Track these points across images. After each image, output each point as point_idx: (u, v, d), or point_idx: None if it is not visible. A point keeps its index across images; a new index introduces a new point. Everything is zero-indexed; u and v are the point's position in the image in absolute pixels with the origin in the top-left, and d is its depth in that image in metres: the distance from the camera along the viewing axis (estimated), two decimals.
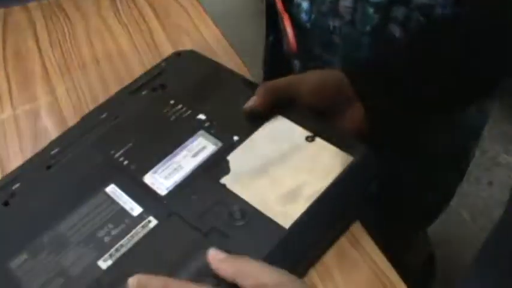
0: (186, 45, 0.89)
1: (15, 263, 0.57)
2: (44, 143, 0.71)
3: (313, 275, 0.59)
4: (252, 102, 0.67)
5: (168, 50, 0.88)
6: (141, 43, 0.90)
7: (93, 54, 0.90)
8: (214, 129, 0.67)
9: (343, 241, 0.61)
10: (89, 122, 0.72)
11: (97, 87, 0.84)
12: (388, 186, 0.68)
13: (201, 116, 0.69)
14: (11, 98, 0.84)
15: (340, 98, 0.66)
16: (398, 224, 1.15)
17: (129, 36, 0.92)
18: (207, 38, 0.90)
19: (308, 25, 0.96)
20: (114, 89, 0.80)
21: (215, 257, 0.53)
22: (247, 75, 0.81)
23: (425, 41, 0.68)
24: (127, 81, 0.78)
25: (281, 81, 0.68)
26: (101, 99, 0.78)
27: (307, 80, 0.67)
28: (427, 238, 1.46)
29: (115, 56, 0.89)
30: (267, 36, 1.17)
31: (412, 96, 0.66)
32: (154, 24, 0.94)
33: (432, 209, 1.18)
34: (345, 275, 0.59)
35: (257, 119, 0.67)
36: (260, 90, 0.67)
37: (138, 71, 0.83)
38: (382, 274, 0.59)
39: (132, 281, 0.52)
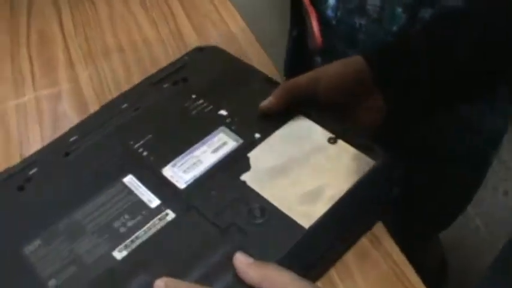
0: (212, 36, 0.88)
1: (29, 249, 0.57)
2: (64, 127, 0.71)
3: (333, 273, 0.58)
4: (267, 102, 0.67)
5: (193, 41, 0.87)
6: (166, 33, 0.90)
7: (117, 42, 0.89)
8: (235, 126, 0.67)
9: (364, 241, 0.61)
10: (109, 111, 0.72)
11: (120, 75, 0.83)
12: (404, 187, 0.67)
13: (223, 112, 0.69)
14: (33, 82, 0.84)
15: (360, 88, 0.65)
16: (415, 226, 1.14)
17: (154, 25, 0.92)
18: (233, 29, 0.89)
19: (334, 22, 0.96)
20: (137, 77, 0.80)
21: (242, 261, 0.52)
22: (272, 69, 0.80)
23: (442, 31, 0.66)
24: (151, 70, 0.78)
25: (300, 80, 0.67)
26: (124, 87, 0.78)
27: (325, 75, 0.66)
28: (440, 243, 1.45)
29: (140, 44, 0.88)
30: (291, 30, 1.16)
31: (429, 84, 0.64)
32: (180, 13, 0.93)
33: (448, 213, 1.17)
34: (365, 275, 0.58)
35: (279, 118, 0.67)
36: (277, 91, 0.67)
37: (162, 61, 0.83)
38: (402, 275, 0.58)
39: (159, 283, 0.51)
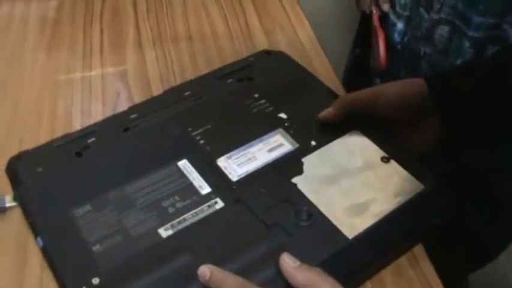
0: (280, 40, 0.89)
1: (78, 211, 0.59)
2: (124, 105, 0.74)
3: (368, 286, 0.59)
4: (326, 113, 0.68)
5: (260, 41, 0.88)
6: (236, 29, 0.91)
7: (187, 30, 0.91)
8: (293, 130, 0.68)
9: (402, 259, 0.61)
10: (172, 95, 0.74)
11: (186, 62, 0.85)
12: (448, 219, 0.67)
13: (282, 115, 0.70)
14: (101, 56, 0.86)
15: (418, 109, 0.65)
16: (452, 261, 1.13)
17: (224, 19, 0.93)
18: (301, 37, 0.90)
19: (399, 46, 0.96)
20: (202, 68, 0.82)
21: (289, 263, 0.53)
22: (336, 82, 0.81)
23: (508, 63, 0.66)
24: (216, 64, 0.80)
25: (360, 95, 0.68)
26: (188, 74, 0.80)
27: (386, 93, 0.66)
28: (468, 285, 1.43)
29: (208, 36, 0.90)
30: (353, 48, 1.17)
31: (488, 113, 0.64)
32: (252, 13, 0.95)
33: (485, 255, 1.16)
34: None
35: (336, 130, 0.68)
36: (336, 103, 0.68)
37: (228, 55, 0.84)
38: None
39: (205, 269, 0.52)
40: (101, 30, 0.90)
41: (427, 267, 0.61)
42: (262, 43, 0.87)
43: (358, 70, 1.14)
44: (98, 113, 0.76)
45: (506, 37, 0.80)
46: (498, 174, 0.93)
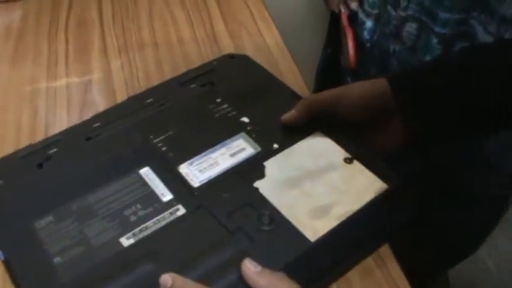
0: (246, 44, 0.89)
1: (40, 223, 0.58)
2: (90, 114, 0.73)
3: None
4: (288, 115, 0.68)
5: (227, 46, 0.88)
6: (202, 34, 0.91)
7: (152, 37, 0.91)
8: (255, 134, 0.68)
9: (369, 260, 0.61)
10: (135, 103, 0.73)
11: (151, 69, 0.84)
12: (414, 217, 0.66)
13: (245, 119, 0.70)
14: (66, 66, 0.85)
15: (382, 111, 0.65)
16: (425, 260, 1.13)
17: (191, 25, 0.93)
18: (267, 40, 0.90)
19: (368, 44, 0.96)
20: (168, 74, 0.81)
21: (251, 268, 0.53)
22: (302, 85, 0.81)
23: (475, 62, 0.66)
24: (182, 70, 0.79)
25: (323, 96, 0.67)
26: (154, 81, 0.79)
27: (348, 94, 0.66)
28: (448, 282, 1.44)
29: (174, 42, 0.89)
30: (325, 47, 1.17)
31: (457, 115, 0.64)
32: (218, 18, 0.95)
33: (459, 252, 1.16)
34: None
35: (298, 132, 0.68)
36: (299, 105, 0.68)
37: (194, 61, 0.84)
38: None
39: (167, 278, 0.52)
40: (66, 39, 0.90)
41: (394, 268, 0.61)
42: (228, 48, 0.87)
43: (329, 70, 1.14)
44: (63, 123, 0.76)
45: (474, 33, 0.80)
46: (465, 171, 0.93)
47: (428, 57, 0.85)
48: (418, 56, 0.87)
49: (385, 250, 0.62)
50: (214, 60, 0.81)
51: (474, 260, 1.56)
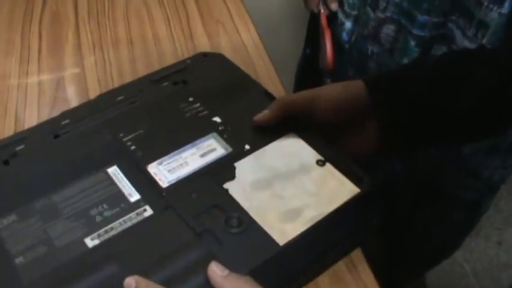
0: (223, 43, 0.88)
1: (3, 222, 0.57)
2: (61, 111, 0.71)
3: None
4: (261, 115, 0.67)
5: (203, 44, 0.87)
6: (178, 32, 0.90)
7: (128, 34, 0.89)
8: (227, 134, 0.67)
9: (340, 264, 0.60)
10: (105, 100, 0.72)
11: (125, 66, 0.83)
12: (394, 219, 0.66)
13: (217, 119, 0.68)
14: (39, 61, 0.84)
15: (357, 113, 0.64)
16: (400, 263, 1.13)
17: (167, 22, 0.92)
18: (244, 39, 0.89)
19: (347, 46, 0.96)
20: (142, 71, 0.80)
21: (217, 272, 0.51)
22: (278, 85, 0.80)
23: (454, 68, 0.65)
24: (156, 68, 0.78)
25: (297, 97, 0.66)
26: (127, 79, 0.78)
27: (324, 95, 0.65)
28: (425, 286, 1.44)
29: (150, 39, 0.88)
30: (304, 48, 1.16)
31: (434, 118, 0.63)
32: (195, 15, 0.93)
33: (434, 254, 1.16)
34: None
35: (271, 133, 0.66)
36: (273, 106, 0.66)
37: (169, 59, 0.83)
38: None
39: (130, 281, 0.50)
40: (40, 34, 0.88)
41: (365, 272, 0.60)
42: (204, 46, 0.86)
43: (309, 70, 1.14)
44: (33, 119, 0.75)
45: (452, 36, 0.80)
46: (441, 172, 0.93)
47: (406, 60, 0.85)
48: (396, 59, 0.87)
49: (356, 254, 0.61)
50: (188, 58, 0.79)
51: (451, 264, 1.56)
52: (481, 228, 1.67)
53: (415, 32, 0.82)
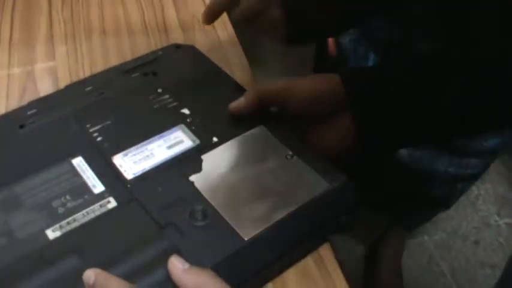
0: (197, 36, 0.87)
1: None
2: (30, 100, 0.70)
3: None
4: (237, 103, 0.66)
5: (177, 37, 0.86)
6: (152, 24, 0.88)
7: (101, 24, 0.88)
8: (195, 126, 0.66)
9: (308, 259, 0.59)
10: (73, 90, 0.71)
11: (97, 57, 0.82)
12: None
13: (185, 111, 0.68)
14: (9, 49, 0.82)
15: (332, 106, 0.64)
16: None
17: (141, 13, 0.90)
18: (219, 33, 0.88)
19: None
20: (114, 62, 0.78)
21: (178, 266, 0.50)
22: (250, 79, 0.79)
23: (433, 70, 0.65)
24: (128, 58, 0.77)
25: (274, 86, 0.66)
26: (98, 69, 0.77)
27: (299, 87, 0.64)
28: (402, 282, 1.44)
29: (123, 30, 0.87)
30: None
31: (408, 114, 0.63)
32: (170, 7, 0.92)
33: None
34: None
35: (240, 126, 0.66)
36: (249, 94, 0.66)
37: (142, 50, 0.81)
38: None
39: (89, 273, 0.49)
40: (12, 22, 0.87)
41: (333, 267, 0.59)
42: (178, 39, 0.85)
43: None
44: (0, 109, 0.73)
45: None
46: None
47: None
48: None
49: (325, 249, 0.60)
50: (160, 49, 0.78)
51: (428, 263, 1.56)
52: (459, 228, 1.68)
53: None
